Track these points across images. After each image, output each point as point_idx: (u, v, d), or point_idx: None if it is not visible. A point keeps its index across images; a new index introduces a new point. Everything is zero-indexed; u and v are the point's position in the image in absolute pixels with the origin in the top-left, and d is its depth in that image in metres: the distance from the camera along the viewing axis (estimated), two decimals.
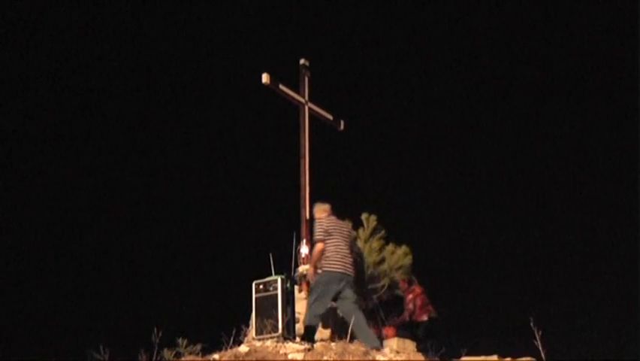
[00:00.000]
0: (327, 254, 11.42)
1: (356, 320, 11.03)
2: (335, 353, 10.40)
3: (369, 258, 12.70)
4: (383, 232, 12.66)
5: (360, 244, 12.89)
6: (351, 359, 10.18)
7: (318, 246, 11.44)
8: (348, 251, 11.54)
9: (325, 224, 11.56)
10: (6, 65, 25.61)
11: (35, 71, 26.31)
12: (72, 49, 26.75)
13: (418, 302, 13.37)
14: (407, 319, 13.36)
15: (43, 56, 26.48)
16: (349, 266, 11.49)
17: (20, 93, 25.96)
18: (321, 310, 11.31)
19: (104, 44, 27.06)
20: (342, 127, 14.49)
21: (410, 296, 13.43)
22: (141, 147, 26.20)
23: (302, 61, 13.98)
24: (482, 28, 26.35)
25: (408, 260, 12.74)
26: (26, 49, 26.29)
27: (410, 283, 13.45)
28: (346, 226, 11.96)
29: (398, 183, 24.15)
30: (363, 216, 12.76)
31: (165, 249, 24.21)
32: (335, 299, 11.38)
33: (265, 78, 13.07)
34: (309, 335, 11.23)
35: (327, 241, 11.45)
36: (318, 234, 11.51)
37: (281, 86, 13.38)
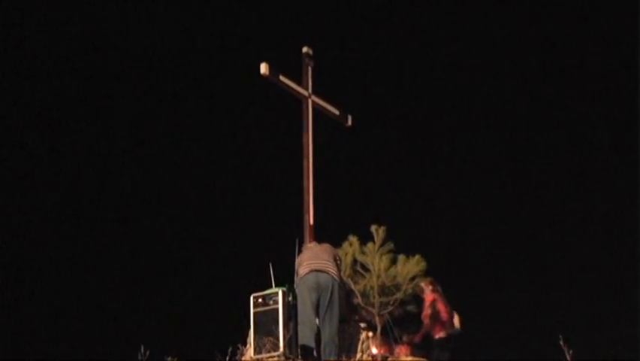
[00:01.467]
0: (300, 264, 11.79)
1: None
2: None
3: (380, 265, 12.62)
4: (392, 245, 12.65)
5: (369, 256, 12.81)
6: None
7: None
8: (323, 254, 11.80)
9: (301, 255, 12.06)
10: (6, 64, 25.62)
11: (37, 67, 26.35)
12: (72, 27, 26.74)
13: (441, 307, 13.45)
14: (429, 328, 13.38)
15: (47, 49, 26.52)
16: (324, 263, 11.62)
17: (21, 93, 25.99)
18: (308, 327, 11.34)
19: (101, 32, 27.06)
20: (349, 123, 14.44)
21: (432, 300, 13.50)
22: (130, 151, 26.18)
23: (305, 49, 13.94)
24: (508, 9, 26.20)
25: (421, 269, 12.69)
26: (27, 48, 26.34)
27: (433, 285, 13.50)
28: (323, 246, 12.16)
29: (411, 184, 24.03)
30: (373, 227, 12.73)
31: (151, 257, 24.14)
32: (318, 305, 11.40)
33: (264, 69, 13.01)
34: (307, 355, 11.18)
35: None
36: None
37: (281, 78, 13.33)
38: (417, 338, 13.26)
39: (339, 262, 12.00)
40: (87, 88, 26.40)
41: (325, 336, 11.32)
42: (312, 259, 11.71)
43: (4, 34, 25.39)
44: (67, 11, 26.07)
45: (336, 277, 11.56)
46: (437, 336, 13.35)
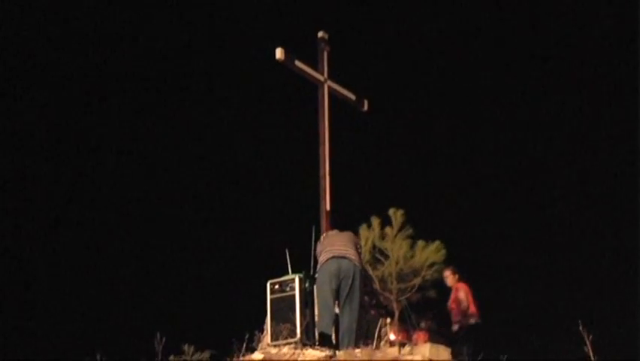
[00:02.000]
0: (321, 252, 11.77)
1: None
2: None
3: (399, 252, 12.58)
4: (411, 230, 12.57)
5: (388, 241, 12.78)
6: None
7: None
8: (344, 241, 11.77)
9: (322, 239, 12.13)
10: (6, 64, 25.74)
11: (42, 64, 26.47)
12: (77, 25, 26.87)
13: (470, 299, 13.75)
14: (459, 318, 13.67)
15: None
16: (346, 249, 11.60)
17: (20, 93, 26.13)
18: (328, 315, 11.37)
19: (115, 21, 27.16)
20: (365, 108, 14.44)
21: (462, 293, 13.77)
22: (145, 138, 26.28)
23: (320, 34, 13.92)
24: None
25: (440, 256, 12.59)
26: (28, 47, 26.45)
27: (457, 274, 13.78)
28: (345, 233, 12.12)
29: (429, 170, 24.00)
30: (391, 211, 12.66)
31: (168, 245, 24.27)
32: (339, 292, 11.40)
33: (279, 54, 13.05)
34: (325, 343, 11.17)
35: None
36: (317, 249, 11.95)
37: (297, 63, 13.34)
38: (454, 328, 13.62)
39: (360, 249, 11.95)
40: (108, 75, 26.57)
41: (344, 324, 11.32)
42: (333, 246, 11.65)
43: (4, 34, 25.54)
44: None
45: (357, 264, 11.55)
46: (460, 325, 13.43)
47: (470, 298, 13.84)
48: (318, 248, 11.88)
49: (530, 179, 24.62)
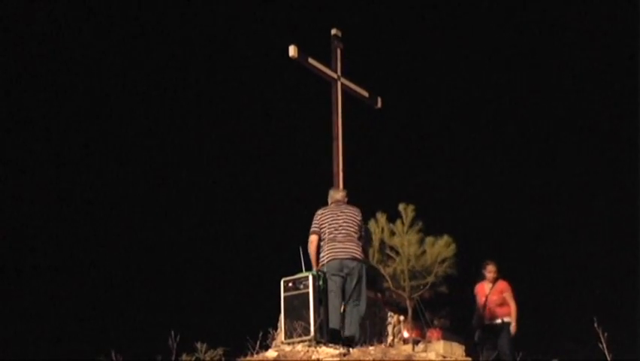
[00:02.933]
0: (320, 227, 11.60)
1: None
2: (374, 359, 10.35)
3: (409, 249, 12.56)
4: (421, 224, 12.57)
5: (398, 237, 12.72)
6: None
7: (310, 239, 11.61)
8: (347, 229, 11.54)
9: (319, 215, 11.69)
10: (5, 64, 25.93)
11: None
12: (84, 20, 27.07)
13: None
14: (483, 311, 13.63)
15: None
16: (347, 247, 11.43)
17: (21, 92, 26.31)
18: (335, 311, 11.26)
19: (125, 16, 27.34)
20: (379, 105, 14.44)
21: (509, 292, 13.68)
22: (158, 133, 26.41)
23: (333, 31, 13.94)
24: None
25: (451, 251, 12.56)
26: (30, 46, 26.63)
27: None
28: (348, 214, 11.77)
29: (441, 166, 24.03)
30: (401, 206, 12.65)
31: (182, 243, 24.31)
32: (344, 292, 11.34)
33: (292, 51, 13.09)
34: (334, 339, 11.16)
35: (323, 232, 11.54)
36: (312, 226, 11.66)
37: (310, 60, 13.36)
38: (495, 321, 13.53)
39: (363, 232, 11.81)
40: (123, 66, 26.75)
41: (350, 321, 11.25)
42: (335, 242, 11.48)
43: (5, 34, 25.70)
44: None
45: (361, 260, 11.45)
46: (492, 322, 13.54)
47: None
48: (318, 217, 11.66)
49: (543, 172, 24.67)
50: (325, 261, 11.43)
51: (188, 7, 27.82)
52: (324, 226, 11.59)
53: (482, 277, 13.85)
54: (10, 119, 25.46)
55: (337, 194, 12.05)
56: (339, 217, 11.65)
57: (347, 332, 11.17)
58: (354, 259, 11.39)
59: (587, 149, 24.95)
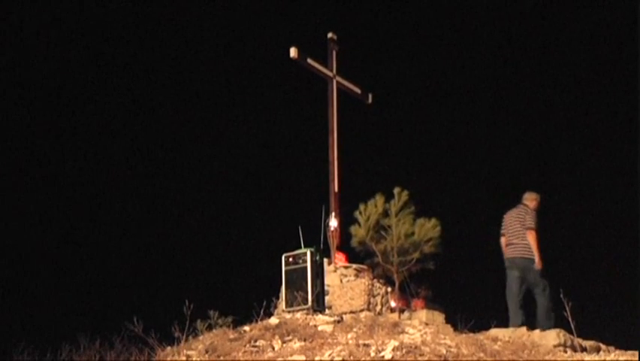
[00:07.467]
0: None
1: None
2: (364, 325, 10.51)
3: (400, 229, 12.62)
4: (413, 207, 12.65)
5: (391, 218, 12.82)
6: (380, 330, 10.24)
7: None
8: (513, 227, 12.70)
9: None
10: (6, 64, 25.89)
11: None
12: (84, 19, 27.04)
13: None
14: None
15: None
16: (513, 248, 12.63)
17: (22, 92, 26.26)
18: (514, 301, 12.48)
19: (127, 15, 27.35)
20: (369, 100, 14.72)
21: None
22: (163, 125, 26.54)
23: (330, 35, 14.19)
24: None
25: (436, 232, 12.72)
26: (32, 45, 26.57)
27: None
28: (517, 211, 12.81)
29: (430, 156, 24.25)
30: (396, 190, 12.68)
31: (197, 222, 24.51)
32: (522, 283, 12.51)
33: (293, 52, 13.37)
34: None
35: None
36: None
37: (309, 60, 13.66)
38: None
39: (523, 220, 12.63)
40: (120, 65, 26.66)
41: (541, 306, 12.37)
42: (511, 243, 12.66)
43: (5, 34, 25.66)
44: None
45: (525, 257, 12.49)
46: None
47: None
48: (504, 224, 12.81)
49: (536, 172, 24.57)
50: (505, 257, 12.78)
51: (192, 9, 27.63)
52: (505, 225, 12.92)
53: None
54: (10, 119, 25.36)
55: (534, 196, 12.96)
56: (512, 214, 12.87)
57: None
58: (522, 258, 12.58)
59: (583, 146, 24.89)
